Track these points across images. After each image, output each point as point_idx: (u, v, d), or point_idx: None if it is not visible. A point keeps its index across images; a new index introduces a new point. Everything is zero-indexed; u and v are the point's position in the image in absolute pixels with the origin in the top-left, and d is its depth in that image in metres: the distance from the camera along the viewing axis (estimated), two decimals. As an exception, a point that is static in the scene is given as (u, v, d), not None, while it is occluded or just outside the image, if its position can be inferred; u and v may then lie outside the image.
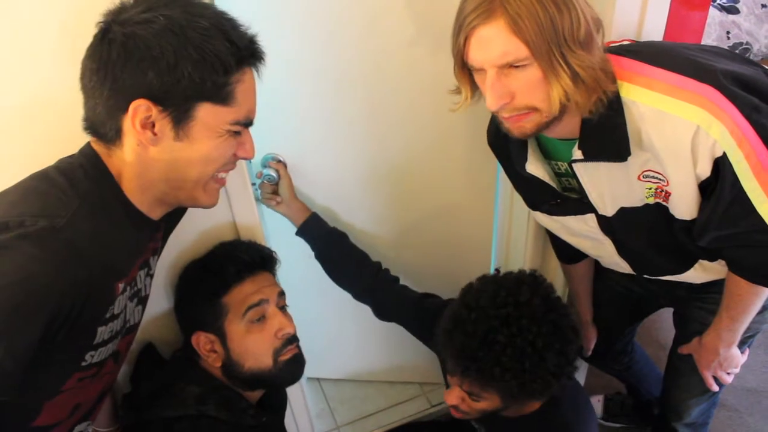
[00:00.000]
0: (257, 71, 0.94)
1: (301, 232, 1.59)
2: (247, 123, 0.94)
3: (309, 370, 1.70)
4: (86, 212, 0.82)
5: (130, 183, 0.90)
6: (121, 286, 0.93)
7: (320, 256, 1.61)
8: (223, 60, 0.84)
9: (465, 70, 1.04)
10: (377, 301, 1.62)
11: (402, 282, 1.63)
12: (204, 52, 0.83)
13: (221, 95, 0.87)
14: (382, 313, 1.64)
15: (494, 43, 0.94)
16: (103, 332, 0.92)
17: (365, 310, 1.63)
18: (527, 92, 0.99)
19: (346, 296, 1.63)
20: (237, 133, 0.93)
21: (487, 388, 1.22)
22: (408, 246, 1.79)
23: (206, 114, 0.87)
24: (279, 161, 1.60)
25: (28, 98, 1.03)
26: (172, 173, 0.90)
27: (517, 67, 0.96)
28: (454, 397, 1.30)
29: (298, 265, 1.65)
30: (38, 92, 1.03)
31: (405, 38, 1.39)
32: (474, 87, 1.07)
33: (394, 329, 1.64)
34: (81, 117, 0.91)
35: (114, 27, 0.83)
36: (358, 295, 1.64)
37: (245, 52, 0.88)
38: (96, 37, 0.85)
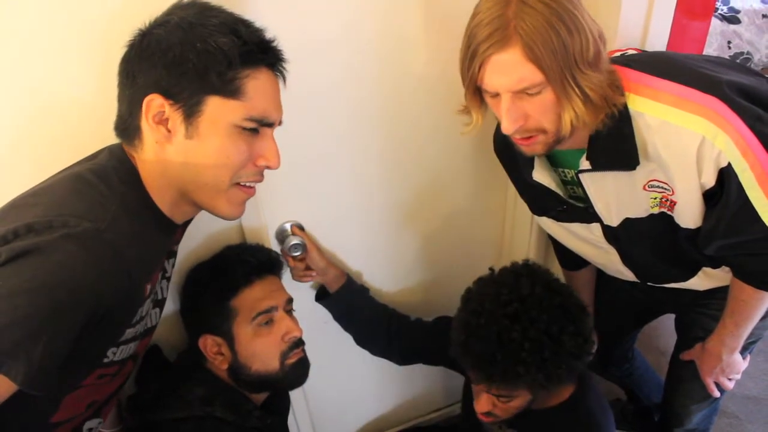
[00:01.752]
0: (280, 75, 0.95)
1: (332, 299, 1.53)
2: (264, 122, 0.92)
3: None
4: (124, 215, 0.83)
5: (153, 184, 0.91)
6: (148, 288, 0.95)
7: (343, 320, 1.59)
8: (227, 52, 0.85)
9: (476, 95, 1.05)
10: (401, 345, 1.60)
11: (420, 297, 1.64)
12: (208, 44, 0.84)
13: (229, 89, 0.87)
14: (406, 356, 1.63)
15: (510, 69, 0.95)
16: (128, 333, 0.94)
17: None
18: (541, 115, 1.00)
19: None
20: (253, 132, 0.92)
21: (515, 387, 1.22)
22: (422, 259, 1.77)
23: (214, 108, 0.87)
24: (299, 227, 1.48)
25: (43, 101, 1.04)
26: (187, 175, 0.90)
27: (531, 93, 0.97)
28: (485, 404, 1.30)
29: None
30: (57, 94, 1.04)
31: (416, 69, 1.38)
32: (483, 110, 1.08)
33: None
34: (97, 118, 0.94)
35: (139, 33, 0.88)
36: (383, 350, 1.62)
37: (253, 48, 0.88)
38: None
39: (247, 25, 0.89)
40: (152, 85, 0.85)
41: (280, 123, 0.97)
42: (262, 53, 0.90)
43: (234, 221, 1.35)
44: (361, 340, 1.62)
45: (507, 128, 1.01)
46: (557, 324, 1.16)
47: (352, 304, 1.56)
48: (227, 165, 0.91)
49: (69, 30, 1.00)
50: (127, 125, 0.90)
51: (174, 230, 0.99)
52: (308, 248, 1.44)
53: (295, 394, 1.63)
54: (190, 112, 0.86)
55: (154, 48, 0.85)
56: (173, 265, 1.14)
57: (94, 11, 1.00)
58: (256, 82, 0.89)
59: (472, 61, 0.98)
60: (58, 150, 0.98)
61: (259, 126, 0.92)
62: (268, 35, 0.92)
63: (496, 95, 1.01)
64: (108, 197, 0.84)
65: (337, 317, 1.58)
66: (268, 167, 0.96)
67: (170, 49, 0.84)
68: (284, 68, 0.96)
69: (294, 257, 1.44)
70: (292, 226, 1.45)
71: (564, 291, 1.23)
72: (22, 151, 1.06)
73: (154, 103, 0.86)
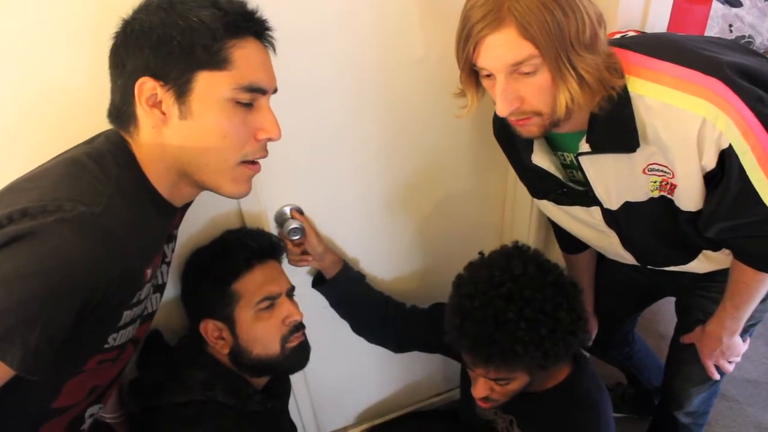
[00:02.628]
0: (268, 44, 0.94)
1: (329, 284, 1.54)
2: (255, 88, 0.90)
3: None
4: (119, 199, 0.83)
5: (151, 168, 0.91)
6: (149, 272, 0.95)
7: (341, 307, 1.59)
8: (209, 25, 0.85)
9: (472, 77, 1.05)
10: (397, 332, 1.61)
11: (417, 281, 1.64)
12: (189, 20, 0.84)
13: (215, 60, 0.86)
14: (402, 343, 1.64)
15: (505, 47, 0.95)
16: (126, 316, 0.94)
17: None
18: (536, 97, 1.00)
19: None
20: (247, 107, 0.90)
21: (513, 368, 1.23)
22: (420, 242, 1.78)
23: (204, 83, 0.86)
24: (298, 210, 1.47)
25: (40, 89, 1.04)
26: (186, 157, 0.90)
27: (527, 73, 0.97)
28: (482, 389, 1.31)
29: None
30: (49, 83, 1.04)
31: (414, 55, 1.38)
32: (479, 92, 1.08)
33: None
34: (91, 107, 0.93)
35: (123, 24, 0.88)
36: (380, 337, 1.63)
37: (236, 18, 0.87)
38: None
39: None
40: (141, 69, 0.85)
41: (275, 91, 0.95)
42: (246, 22, 0.89)
43: (233, 206, 1.36)
44: (358, 328, 1.63)
45: (501, 110, 1.01)
46: (552, 302, 1.17)
47: (348, 291, 1.56)
48: (227, 144, 0.89)
49: (61, 17, 1.00)
50: (122, 113, 0.90)
51: (173, 213, 0.99)
52: (307, 232, 1.44)
53: (295, 378, 1.63)
54: (181, 91, 0.86)
55: (138, 33, 0.85)
56: (173, 250, 1.14)
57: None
58: (243, 50, 0.88)
59: (466, 42, 0.98)
60: (53, 137, 0.97)
61: (252, 95, 0.90)
62: (251, 6, 0.91)
63: (492, 76, 1.00)
64: (103, 181, 0.83)
65: (334, 304, 1.59)
66: (269, 139, 0.94)
67: (153, 30, 0.84)
68: (272, 36, 0.95)
69: (292, 241, 1.44)
70: (291, 209, 1.45)
71: (555, 269, 1.24)
72: (18, 139, 1.06)
73: (145, 86, 0.85)
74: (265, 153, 0.96)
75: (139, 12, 0.87)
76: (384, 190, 1.57)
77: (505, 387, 1.29)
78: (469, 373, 1.36)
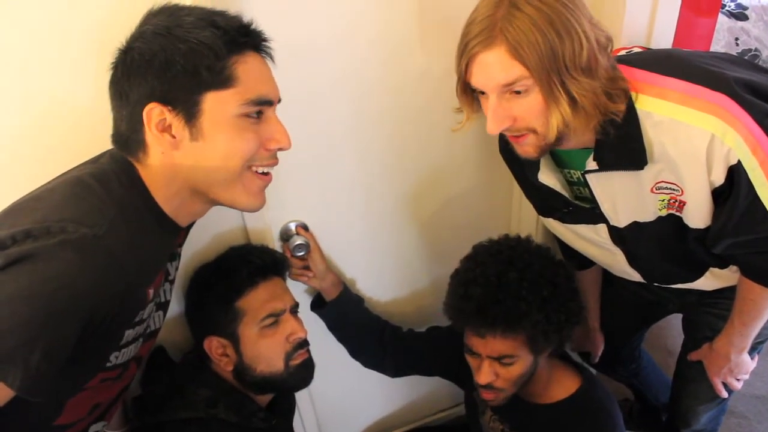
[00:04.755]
0: (267, 54, 0.95)
1: (330, 306, 1.52)
2: (263, 101, 0.90)
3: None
4: (123, 220, 0.83)
5: (159, 189, 0.91)
6: (151, 292, 0.95)
7: (338, 332, 1.59)
8: (212, 45, 0.84)
9: (467, 92, 1.06)
10: (395, 355, 1.60)
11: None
12: (190, 43, 0.84)
13: (220, 79, 0.86)
14: (399, 367, 1.65)
15: (495, 66, 0.96)
16: (128, 335, 0.94)
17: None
18: (528, 116, 1.00)
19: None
20: (255, 118, 0.90)
21: (517, 333, 1.23)
22: (426, 253, 1.76)
23: (212, 104, 0.86)
24: (303, 227, 1.46)
25: (43, 106, 1.05)
26: (199, 176, 0.90)
27: (518, 92, 0.97)
28: (487, 373, 1.30)
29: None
30: (53, 99, 1.05)
31: (418, 66, 1.38)
32: (475, 108, 1.08)
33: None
34: (94, 124, 0.93)
35: (120, 54, 0.88)
36: (377, 362, 1.63)
37: (236, 35, 0.87)
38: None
39: (222, 14, 0.89)
40: (147, 96, 0.85)
41: (279, 101, 0.96)
42: (244, 37, 0.89)
43: (237, 223, 1.36)
44: (355, 352, 1.63)
45: (491, 129, 1.02)
46: (551, 269, 1.26)
47: (347, 314, 1.56)
48: (238, 157, 0.90)
49: (66, 34, 1.00)
50: (130, 141, 0.89)
51: (178, 232, 0.99)
52: (311, 249, 1.44)
53: (300, 395, 1.63)
54: (190, 114, 0.86)
55: (139, 61, 0.84)
56: (176, 268, 1.14)
57: (90, 15, 1.00)
58: (246, 65, 0.88)
59: (460, 58, 1.00)
60: (57, 154, 0.98)
61: (260, 108, 0.90)
62: (246, 20, 0.91)
63: (485, 94, 1.01)
64: (107, 202, 0.84)
65: (331, 327, 1.58)
66: (280, 149, 0.95)
67: (155, 57, 0.83)
68: (269, 47, 0.95)
69: (297, 257, 1.44)
70: (297, 226, 1.44)
71: (548, 250, 1.33)
72: (22, 156, 1.06)
73: (154, 112, 0.85)
74: (275, 161, 0.96)
75: (135, 41, 0.86)
76: (386, 205, 1.56)
77: (510, 370, 1.28)
78: (470, 362, 1.36)
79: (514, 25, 0.92)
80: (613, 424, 1.36)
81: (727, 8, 3.08)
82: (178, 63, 0.83)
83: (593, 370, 1.79)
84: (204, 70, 0.84)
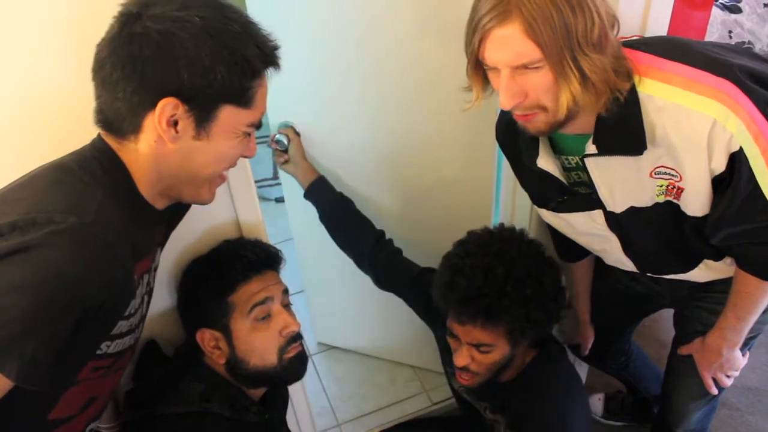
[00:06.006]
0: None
1: (308, 193, 1.70)
2: (259, 125, 0.95)
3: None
4: (109, 206, 0.83)
5: (141, 176, 0.90)
6: (144, 277, 0.96)
7: (324, 218, 1.69)
8: (253, 64, 0.87)
9: (478, 69, 1.04)
10: (376, 268, 1.65)
11: (405, 252, 1.67)
12: (236, 56, 0.84)
13: (244, 98, 0.88)
14: (381, 281, 1.68)
15: (509, 44, 0.94)
16: (122, 325, 0.94)
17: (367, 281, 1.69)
18: (540, 92, 0.99)
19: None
20: (248, 134, 0.94)
21: (497, 327, 1.26)
22: (409, 217, 1.84)
23: (228, 115, 0.88)
24: (291, 128, 1.73)
25: (31, 92, 1.03)
26: (184, 169, 0.91)
27: (530, 68, 0.96)
28: (464, 356, 1.33)
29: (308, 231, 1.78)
30: (41, 86, 1.03)
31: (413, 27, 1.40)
32: (485, 86, 1.07)
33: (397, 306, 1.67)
34: (81, 111, 0.91)
35: (145, 21, 0.81)
36: (359, 261, 1.69)
37: (269, 58, 0.90)
38: (119, 27, 0.83)
39: (261, 32, 0.89)
40: (170, 89, 0.83)
41: None
42: (274, 62, 0.91)
43: (230, 216, 1.35)
44: (345, 248, 1.71)
45: (504, 104, 1.00)
46: (538, 266, 1.27)
47: (330, 202, 1.69)
48: (226, 161, 0.96)
49: (49, 22, 0.99)
50: (123, 120, 0.87)
51: (161, 218, 1.00)
52: (291, 140, 1.70)
53: (294, 388, 1.62)
54: (204, 117, 0.86)
55: (179, 53, 0.81)
56: (159, 253, 1.14)
57: (74, 3, 0.99)
58: (262, 90, 0.92)
59: (473, 34, 0.98)
60: (40, 145, 0.97)
61: (254, 129, 0.95)
62: (274, 39, 0.91)
63: (496, 69, 0.99)
64: (91, 186, 0.83)
65: (321, 218, 1.70)
66: (247, 157, 1.01)
67: (199, 58, 0.82)
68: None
69: (278, 149, 1.72)
70: (286, 127, 1.73)
71: (539, 245, 1.34)
72: (4, 146, 1.05)
73: (169, 107, 0.83)
74: (236, 164, 1.02)
75: (178, 25, 0.81)
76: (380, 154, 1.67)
77: (486, 356, 1.31)
78: (451, 343, 1.38)
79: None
80: (553, 407, 1.36)
81: (720, 1, 3.08)
82: (220, 72, 0.83)
83: (573, 355, 1.80)
84: (237, 86, 0.86)
